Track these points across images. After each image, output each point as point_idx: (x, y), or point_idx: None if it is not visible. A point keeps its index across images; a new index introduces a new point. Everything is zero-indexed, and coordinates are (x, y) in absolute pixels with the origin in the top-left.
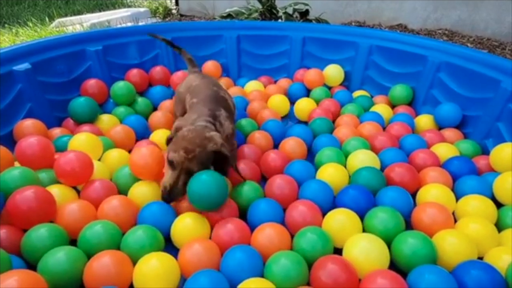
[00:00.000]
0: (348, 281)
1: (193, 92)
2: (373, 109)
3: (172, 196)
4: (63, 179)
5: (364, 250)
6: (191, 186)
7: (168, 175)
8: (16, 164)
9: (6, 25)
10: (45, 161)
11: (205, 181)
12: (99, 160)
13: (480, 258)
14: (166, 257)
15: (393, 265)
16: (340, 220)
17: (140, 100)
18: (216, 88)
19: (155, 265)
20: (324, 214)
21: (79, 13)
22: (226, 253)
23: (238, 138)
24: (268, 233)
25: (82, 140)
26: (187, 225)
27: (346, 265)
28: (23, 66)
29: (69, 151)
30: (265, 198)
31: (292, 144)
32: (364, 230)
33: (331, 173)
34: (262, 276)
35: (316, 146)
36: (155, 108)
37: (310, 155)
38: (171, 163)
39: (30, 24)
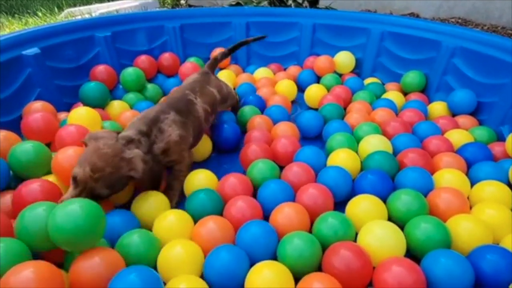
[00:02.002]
0: (362, 268)
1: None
2: (385, 96)
3: None
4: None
5: (380, 237)
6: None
7: (68, 192)
8: None
9: (16, 15)
10: (50, 135)
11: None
12: None
13: (496, 244)
14: (190, 244)
15: (406, 250)
16: (364, 207)
17: (150, 86)
18: (187, 91)
19: (179, 252)
20: (342, 201)
21: (88, 3)
22: (241, 228)
23: (235, 129)
24: (287, 213)
25: (81, 114)
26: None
27: (360, 251)
28: (32, 50)
29: (67, 148)
30: (276, 179)
31: (283, 129)
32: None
33: (343, 158)
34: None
35: (327, 132)
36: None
37: (321, 141)
38: (73, 179)
39: (40, 14)
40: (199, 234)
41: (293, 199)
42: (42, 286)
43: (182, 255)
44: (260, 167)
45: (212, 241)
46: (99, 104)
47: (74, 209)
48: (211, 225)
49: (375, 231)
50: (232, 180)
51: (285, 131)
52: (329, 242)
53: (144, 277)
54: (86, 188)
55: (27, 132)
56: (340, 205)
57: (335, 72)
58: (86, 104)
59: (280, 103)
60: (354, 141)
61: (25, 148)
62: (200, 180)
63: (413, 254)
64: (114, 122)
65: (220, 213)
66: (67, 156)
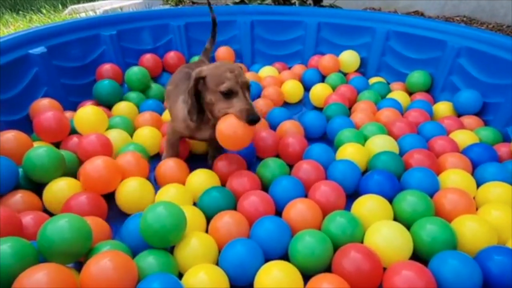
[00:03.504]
0: (372, 270)
1: (169, 80)
2: (390, 95)
3: (255, 116)
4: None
5: (387, 237)
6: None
7: (236, 102)
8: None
9: (20, 12)
10: (61, 133)
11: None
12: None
13: (502, 245)
14: (205, 236)
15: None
16: (370, 207)
17: (154, 86)
18: (186, 69)
19: (194, 244)
20: (353, 194)
21: None
22: (255, 223)
23: None
24: (300, 208)
25: (87, 113)
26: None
27: (370, 253)
28: (39, 49)
29: (96, 158)
30: (287, 176)
31: (289, 127)
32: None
33: (351, 152)
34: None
35: (332, 129)
36: None
37: (325, 141)
38: (228, 93)
39: (44, 11)
40: (216, 228)
41: (304, 195)
42: None
43: (197, 247)
44: (269, 165)
45: (228, 235)
46: (113, 102)
47: (160, 211)
48: (227, 219)
49: (382, 231)
50: (241, 177)
51: (291, 129)
52: (337, 241)
53: (168, 286)
54: (242, 86)
55: (40, 131)
56: (350, 198)
57: (339, 71)
58: (99, 101)
59: (268, 108)
60: (362, 136)
61: (39, 153)
62: (202, 180)
63: (418, 255)
64: (125, 117)
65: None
66: (95, 166)
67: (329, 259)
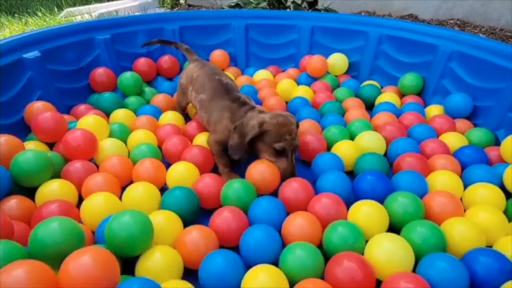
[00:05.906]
0: (364, 279)
1: (195, 83)
2: (380, 98)
3: (294, 176)
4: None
5: (388, 251)
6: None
7: (283, 161)
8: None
9: (15, 15)
10: (60, 133)
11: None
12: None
13: (489, 247)
14: (170, 250)
15: None
16: (366, 213)
17: (147, 89)
18: (218, 77)
19: (158, 259)
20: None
21: (88, 2)
22: (245, 232)
23: None
24: (299, 222)
25: (89, 122)
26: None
27: (363, 262)
28: (33, 54)
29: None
30: (267, 196)
31: (307, 126)
32: None
33: (344, 149)
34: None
35: (323, 126)
36: None
37: None
38: (281, 151)
39: (39, 14)
40: (183, 242)
41: (285, 216)
42: (33, 286)
43: (161, 261)
44: (235, 186)
45: (196, 250)
46: (111, 111)
47: (127, 219)
48: (195, 234)
49: (383, 244)
50: (208, 180)
51: (309, 127)
52: (339, 251)
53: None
54: (292, 150)
55: (37, 131)
56: None
57: (327, 72)
58: (103, 111)
59: (277, 104)
60: (348, 133)
61: (26, 157)
62: (180, 172)
63: None
64: (122, 124)
65: (197, 210)
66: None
67: (320, 271)
